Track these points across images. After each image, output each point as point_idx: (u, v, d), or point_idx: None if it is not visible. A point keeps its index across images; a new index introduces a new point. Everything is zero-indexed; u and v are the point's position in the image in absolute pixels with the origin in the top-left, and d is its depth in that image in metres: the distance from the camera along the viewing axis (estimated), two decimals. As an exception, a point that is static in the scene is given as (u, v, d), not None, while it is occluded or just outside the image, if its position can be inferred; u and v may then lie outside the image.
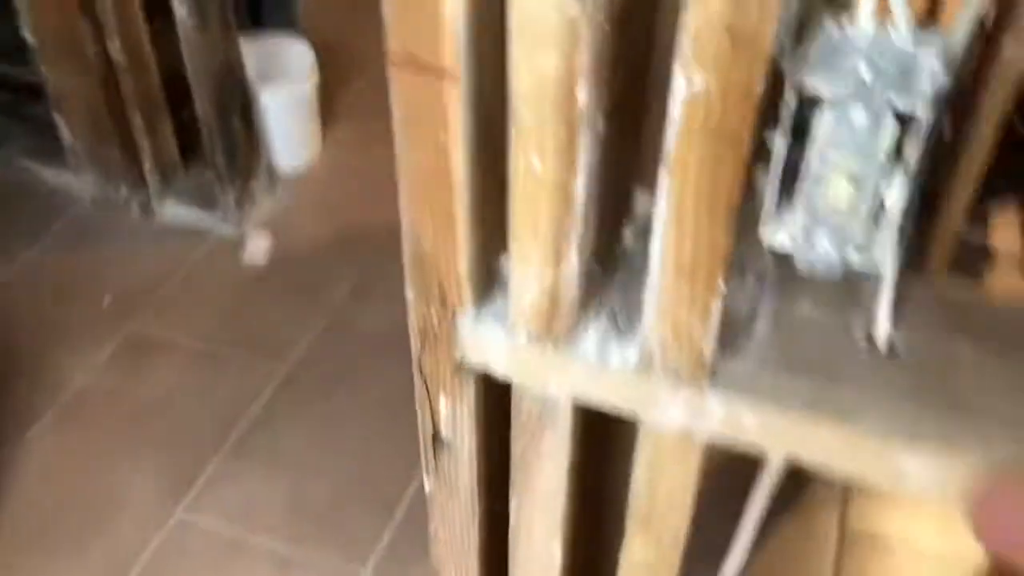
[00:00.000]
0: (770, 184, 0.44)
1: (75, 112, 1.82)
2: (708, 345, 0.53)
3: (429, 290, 0.59)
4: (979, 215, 1.84)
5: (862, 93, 0.40)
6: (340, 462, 1.53)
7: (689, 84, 0.44)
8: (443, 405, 0.64)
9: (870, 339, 0.57)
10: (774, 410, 0.54)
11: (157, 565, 1.39)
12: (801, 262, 0.45)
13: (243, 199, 1.89)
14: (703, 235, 0.49)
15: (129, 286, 1.81)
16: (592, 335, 0.58)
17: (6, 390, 1.61)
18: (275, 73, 1.98)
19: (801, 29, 0.46)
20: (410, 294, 0.60)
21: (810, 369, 0.56)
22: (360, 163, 2.04)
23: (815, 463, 0.56)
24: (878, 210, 0.42)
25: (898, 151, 0.41)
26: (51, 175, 1.98)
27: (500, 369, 0.60)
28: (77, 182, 1.94)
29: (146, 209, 1.93)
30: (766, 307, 0.59)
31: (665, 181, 0.48)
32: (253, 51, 1.92)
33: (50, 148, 1.92)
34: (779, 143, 0.43)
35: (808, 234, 0.44)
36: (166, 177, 1.91)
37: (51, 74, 1.78)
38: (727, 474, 0.86)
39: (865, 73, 0.40)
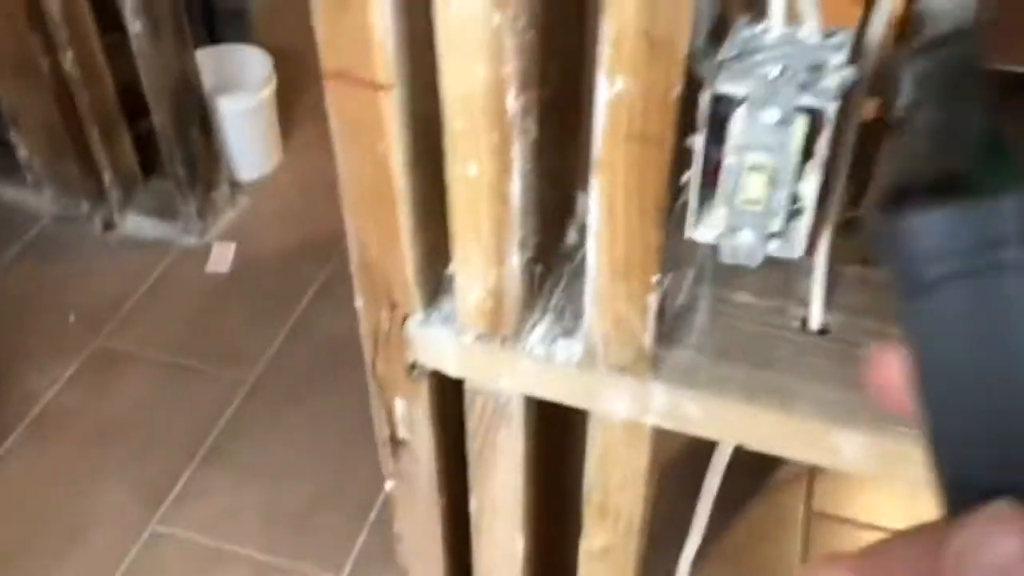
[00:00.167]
0: (692, 182, 0.46)
1: (31, 128, 1.82)
2: (648, 338, 0.55)
3: (378, 296, 0.61)
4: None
5: (771, 92, 0.42)
6: (312, 468, 1.54)
7: (611, 88, 0.46)
8: (399, 407, 0.66)
9: (804, 324, 0.59)
10: (714, 399, 0.56)
11: (133, 578, 1.40)
12: (725, 254, 0.47)
13: (205, 209, 1.89)
14: (635, 234, 0.50)
15: (94, 300, 1.81)
16: (538, 332, 0.60)
17: (-27, 411, 1.61)
18: (233, 82, 1.98)
19: (720, 31, 0.48)
20: (359, 301, 0.61)
21: (747, 356, 0.58)
22: (322, 168, 2.03)
23: (758, 447, 0.58)
24: (794, 202, 0.44)
25: (810, 145, 0.43)
26: (10, 193, 1.96)
27: (452, 369, 0.62)
28: (36, 199, 1.94)
29: (107, 223, 1.92)
30: (704, 297, 0.61)
31: (595, 182, 0.50)
32: (210, 61, 1.92)
33: (7, 166, 1.91)
34: (698, 143, 0.45)
35: (730, 228, 0.46)
36: (126, 190, 1.90)
37: (4, 91, 1.77)
38: (694, 456, 0.88)
39: (774, 73, 0.42)
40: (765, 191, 0.44)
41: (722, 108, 0.45)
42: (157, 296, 1.83)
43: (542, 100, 0.51)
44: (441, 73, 0.49)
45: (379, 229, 0.57)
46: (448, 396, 0.66)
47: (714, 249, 0.49)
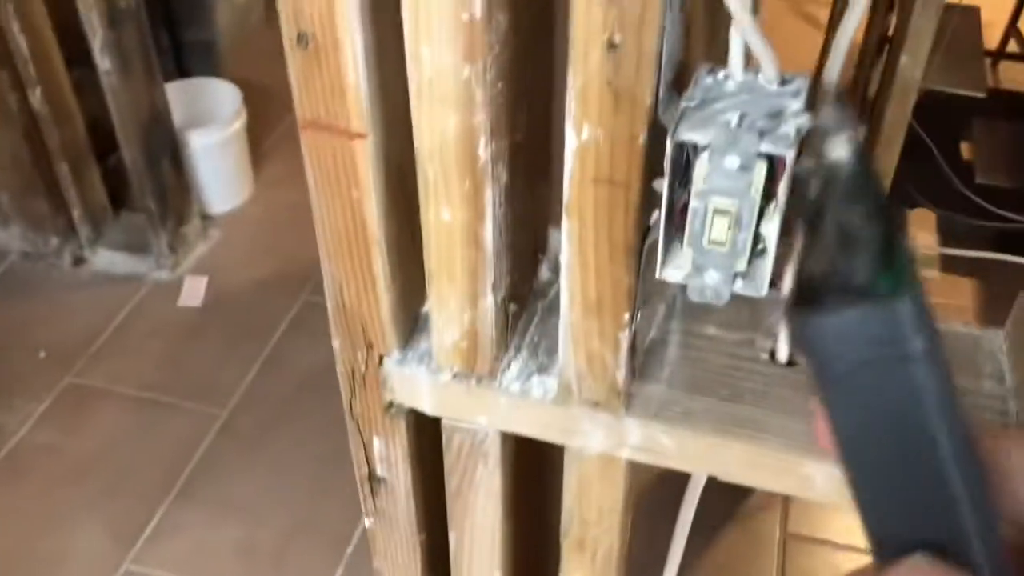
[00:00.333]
0: (660, 225, 0.47)
1: (-1, 166, 1.81)
2: (621, 374, 0.56)
3: (354, 337, 0.62)
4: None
5: (731, 139, 0.43)
6: (288, 501, 1.53)
7: (578, 137, 0.47)
8: (376, 446, 0.66)
9: (772, 356, 0.61)
10: (686, 432, 0.57)
11: (108, 619, 1.38)
12: (693, 293, 0.48)
13: (176, 243, 1.89)
14: (605, 274, 0.52)
15: (64, 337, 1.79)
16: (514, 369, 0.61)
17: (-59, 453, 1.59)
18: (203, 116, 1.98)
19: (681, 78, 0.50)
20: (336, 342, 0.62)
21: (717, 389, 0.59)
22: (293, 199, 2.05)
23: (731, 478, 0.59)
24: (757, 242, 0.46)
25: (771, 188, 0.45)
26: (-23, 230, 1.95)
27: (429, 408, 0.63)
28: (4, 235, 1.92)
29: (78, 258, 1.91)
30: (674, 332, 0.63)
31: (566, 224, 0.51)
32: (179, 95, 1.92)
33: (-25, 203, 1.90)
34: (664, 188, 0.46)
35: (697, 268, 0.47)
36: (96, 225, 1.90)
37: (-29, 129, 1.77)
38: (670, 480, 0.89)
39: (734, 120, 0.44)
40: (729, 233, 0.46)
41: (686, 153, 0.46)
42: (128, 331, 1.82)
43: (512, 146, 0.53)
44: (414, 123, 0.50)
45: (355, 272, 0.58)
46: (425, 433, 0.67)
47: (683, 286, 0.51)
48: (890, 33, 1.50)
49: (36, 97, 1.69)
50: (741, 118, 0.45)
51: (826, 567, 1.44)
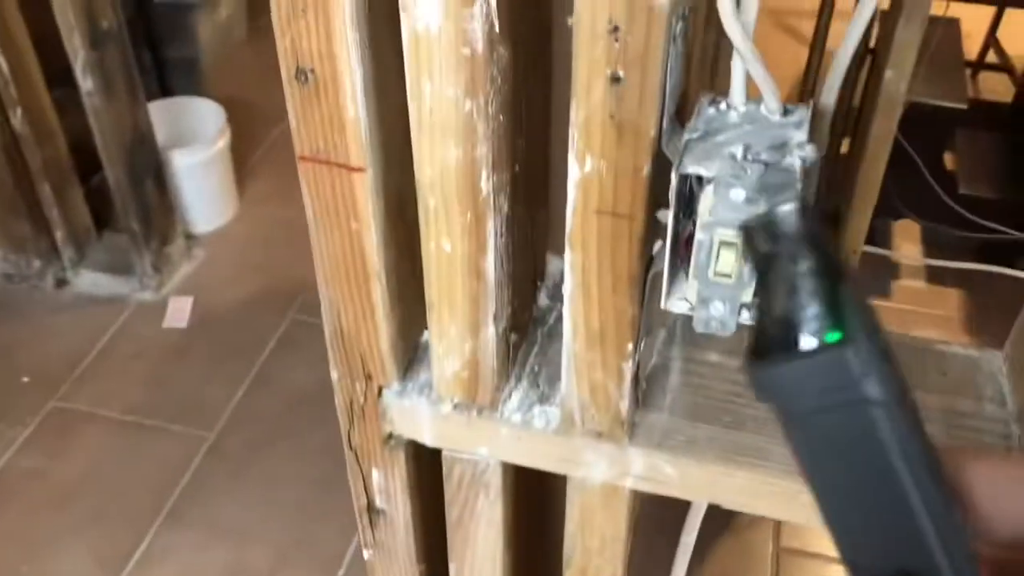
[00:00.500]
0: (666, 257, 0.47)
1: (-20, 188, 1.79)
2: (624, 404, 0.56)
3: (353, 368, 0.61)
4: (880, 231, 1.92)
5: (736, 172, 0.43)
6: (278, 524, 1.51)
7: (580, 168, 0.47)
8: (375, 477, 0.66)
9: (774, 382, 0.61)
10: (690, 461, 0.57)
11: (96, 648, 1.36)
12: (698, 324, 0.48)
13: (161, 263, 1.87)
14: (608, 305, 0.51)
15: (48, 361, 1.77)
16: (515, 399, 0.60)
17: (-77, 480, 1.56)
18: (187, 134, 1.97)
19: (683, 109, 0.50)
20: (334, 374, 0.61)
21: (720, 416, 0.59)
22: (278, 217, 2.04)
23: (736, 507, 0.59)
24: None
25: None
26: (-43, 253, 1.93)
27: (429, 439, 0.62)
28: (-14, 258, 1.90)
29: (60, 280, 1.89)
30: (676, 359, 0.63)
31: (568, 256, 0.51)
32: (163, 114, 1.91)
33: (-45, 226, 1.88)
34: (670, 219, 0.46)
35: (702, 300, 0.47)
36: (80, 246, 1.88)
37: (-48, 150, 1.74)
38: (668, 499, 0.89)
39: (738, 152, 0.44)
40: (736, 265, 0.45)
41: (689, 184, 0.46)
42: (113, 354, 1.80)
43: (513, 177, 0.52)
44: (415, 155, 0.49)
45: (353, 302, 0.58)
46: (425, 464, 0.66)
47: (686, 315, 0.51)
48: (871, 45, 1.51)
49: (17, 118, 1.67)
50: (745, 150, 0.44)
51: (819, 580, 1.44)
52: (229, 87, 2.25)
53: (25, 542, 1.49)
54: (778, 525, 1.50)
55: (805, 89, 1.68)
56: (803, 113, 0.47)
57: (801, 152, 0.45)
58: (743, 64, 0.46)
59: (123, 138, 1.69)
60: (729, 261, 0.45)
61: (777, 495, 0.57)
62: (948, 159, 1.98)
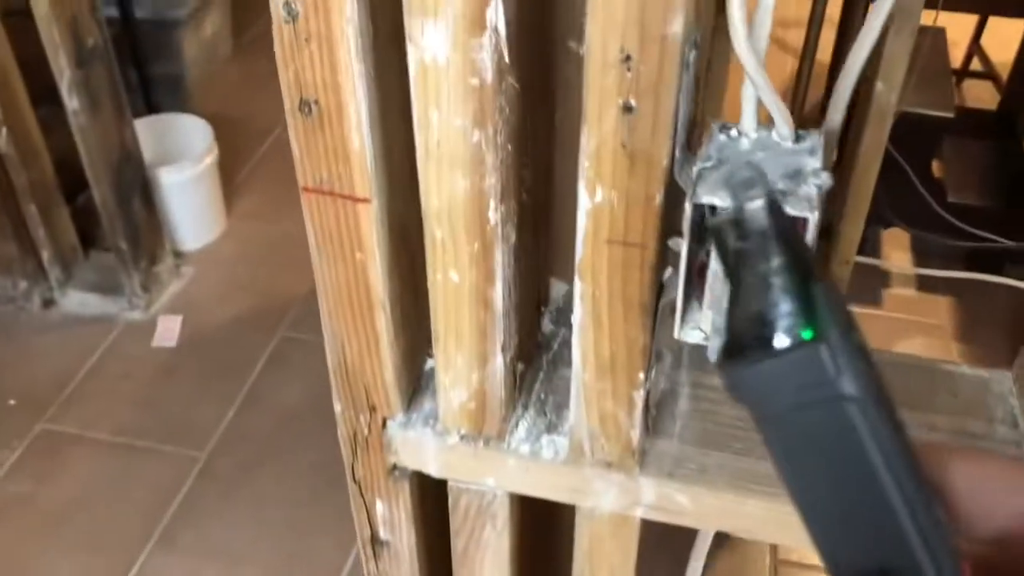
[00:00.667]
0: (679, 287, 0.46)
1: (-36, 209, 1.76)
2: (635, 433, 0.55)
3: (356, 399, 0.60)
4: (871, 241, 1.93)
5: (754, 202, 0.43)
6: (270, 545, 1.50)
7: (591, 198, 0.46)
8: (379, 509, 0.65)
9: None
10: (702, 489, 0.56)
11: (89, 677, 1.34)
12: (712, 353, 0.47)
13: (149, 282, 1.85)
14: (619, 334, 0.51)
15: (35, 382, 1.75)
16: (522, 429, 0.59)
17: (-91, 508, 1.53)
18: (174, 152, 1.95)
19: (694, 136, 0.49)
20: (337, 406, 0.60)
21: (730, 443, 0.58)
22: (267, 233, 2.02)
23: (750, 536, 0.58)
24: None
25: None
26: (-58, 274, 1.90)
27: (434, 470, 0.61)
28: (-29, 280, 1.87)
29: (47, 301, 1.87)
30: (684, 384, 0.62)
31: (578, 285, 0.50)
32: (149, 131, 1.89)
33: (-60, 247, 1.85)
34: (683, 247, 0.45)
35: (716, 330, 0.46)
36: (66, 266, 1.85)
37: (-64, 171, 1.72)
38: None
39: (754, 183, 0.43)
40: (751, 295, 0.45)
41: (702, 213, 0.45)
42: (102, 374, 1.77)
43: (520, 206, 0.51)
44: (422, 186, 0.49)
45: (358, 334, 0.57)
46: (429, 494, 0.65)
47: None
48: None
49: (2, 138, 1.65)
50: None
51: (818, 593, 1.43)
52: (215, 103, 2.24)
53: (15, 569, 1.46)
54: (777, 539, 1.49)
55: (797, 99, 1.68)
56: (815, 139, 0.47)
57: (816, 180, 0.44)
58: (755, 91, 0.45)
59: (109, 156, 1.68)
60: (744, 291, 0.45)
61: (789, 523, 0.56)
62: (936, 167, 1.98)
